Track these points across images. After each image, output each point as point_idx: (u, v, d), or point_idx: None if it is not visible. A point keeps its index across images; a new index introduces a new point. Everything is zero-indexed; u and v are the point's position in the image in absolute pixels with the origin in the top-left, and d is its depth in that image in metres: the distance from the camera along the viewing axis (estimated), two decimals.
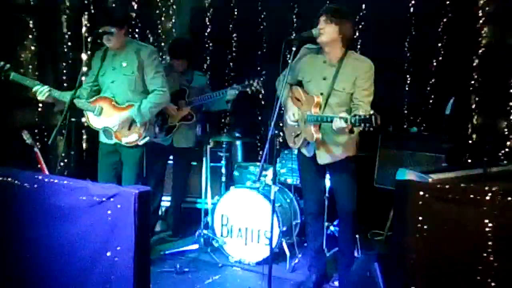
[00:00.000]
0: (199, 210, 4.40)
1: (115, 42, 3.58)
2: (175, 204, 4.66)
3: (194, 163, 4.87)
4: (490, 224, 2.42)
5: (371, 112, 2.69)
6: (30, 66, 4.37)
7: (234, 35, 5.69)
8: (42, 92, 3.54)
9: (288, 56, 3.08)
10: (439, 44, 4.55)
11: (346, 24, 3.21)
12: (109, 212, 2.28)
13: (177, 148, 4.42)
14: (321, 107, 3.23)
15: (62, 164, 4.28)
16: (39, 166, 4.06)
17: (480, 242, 2.44)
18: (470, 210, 2.52)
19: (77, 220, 2.42)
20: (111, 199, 2.28)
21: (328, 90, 3.24)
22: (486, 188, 2.48)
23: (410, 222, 2.57)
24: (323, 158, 3.35)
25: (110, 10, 4.54)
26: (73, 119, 4.19)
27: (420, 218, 2.52)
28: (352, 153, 3.37)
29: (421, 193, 2.54)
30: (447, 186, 2.57)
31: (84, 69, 3.93)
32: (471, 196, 2.51)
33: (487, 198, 2.45)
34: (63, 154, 4.44)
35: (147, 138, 3.70)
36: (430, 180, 2.97)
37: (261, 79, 4.16)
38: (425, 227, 2.51)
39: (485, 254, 2.41)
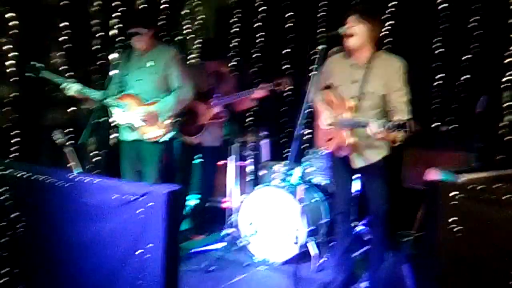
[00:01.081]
0: (224, 209, 4.42)
1: (144, 43, 3.70)
2: (202, 203, 4.68)
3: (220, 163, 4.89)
4: None
5: (407, 117, 2.66)
6: (60, 67, 4.43)
7: (261, 34, 5.67)
8: (71, 88, 3.63)
9: (314, 56, 3.05)
10: (472, 40, 4.45)
11: (376, 23, 3.17)
12: (139, 210, 2.32)
13: (205, 147, 4.44)
14: (354, 111, 3.17)
15: (92, 164, 4.34)
16: (69, 165, 4.12)
17: None
18: (503, 211, 2.47)
19: (108, 219, 2.47)
20: (142, 198, 2.31)
21: (359, 94, 3.18)
22: None
23: (441, 224, 2.53)
24: (357, 162, 3.31)
25: (140, 11, 4.63)
26: (102, 119, 4.23)
27: (452, 219, 2.48)
28: (383, 155, 3.32)
29: (453, 194, 2.50)
30: (479, 187, 2.52)
31: (112, 71, 3.98)
32: (504, 197, 2.46)
33: None
34: (92, 154, 4.50)
35: (170, 134, 3.77)
36: (460, 180, 2.92)
37: (290, 79, 4.17)
38: (457, 228, 2.47)
39: None
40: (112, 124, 4.21)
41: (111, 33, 4.70)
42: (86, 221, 2.58)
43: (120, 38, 3.64)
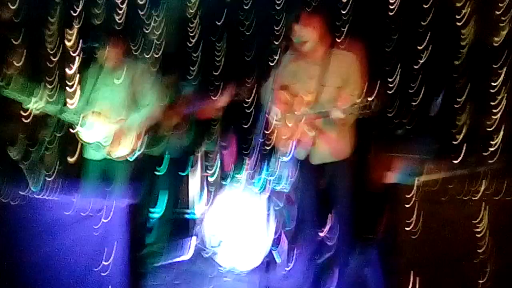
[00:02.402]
0: (188, 220, 4.37)
1: (114, 59, 3.69)
2: (167, 215, 4.62)
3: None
4: (478, 224, 2.44)
5: (371, 98, 2.69)
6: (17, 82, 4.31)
7: (220, 43, 5.66)
8: (36, 106, 3.58)
9: (271, 63, 3.08)
10: (423, 45, 4.56)
11: (324, 22, 3.22)
12: (97, 226, 2.27)
13: (171, 158, 4.39)
14: (312, 106, 3.21)
15: (49, 179, 4.23)
16: (26, 180, 4.00)
17: (471, 241, 2.46)
18: (458, 210, 2.54)
19: (64, 236, 2.41)
20: (99, 214, 2.27)
21: (317, 88, 3.23)
22: (473, 188, 2.50)
23: (400, 226, 2.58)
24: (316, 157, 3.32)
25: (107, 26, 4.56)
26: (58, 134, 4.14)
27: (409, 220, 2.54)
28: (346, 155, 3.35)
29: (409, 196, 2.56)
30: (434, 188, 2.59)
31: (71, 84, 3.90)
32: (458, 197, 2.54)
33: (474, 198, 2.48)
34: (49, 169, 4.39)
35: (138, 153, 3.70)
36: (417, 181, 2.99)
37: (250, 87, 4.22)
38: (414, 229, 2.53)
39: (477, 252, 2.43)
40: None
41: (68, 44, 4.61)
42: (42, 239, 2.50)
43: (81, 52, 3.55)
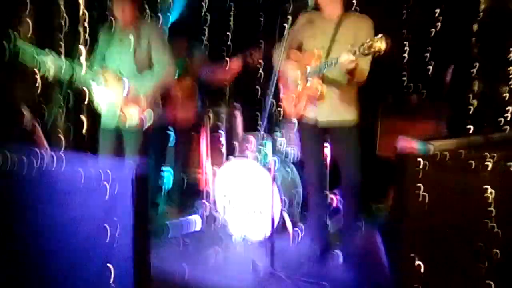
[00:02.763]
0: (199, 180, 4.39)
1: (127, 15, 3.58)
2: (179, 177, 4.66)
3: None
4: (491, 191, 2.41)
5: (379, 36, 2.66)
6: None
7: (232, 4, 5.56)
8: (47, 61, 3.50)
9: (285, 25, 3.04)
10: (437, 10, 4.45)
11: None
12: (107, 185, 2.28)
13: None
14: (322, 59, 3.19)
15: (62, 140, 4.25)
16: (39, 142, 4.03)
17: (482, 209, 2.43)
18: (470, 177, 2.50)
19: (72, 206, 2.40)
20: (108, 171, 2.27)
21: (329, 43, 3.22)
22: (486, 154, 2.46)
23: (410, 193, 2.55)
24: (324, 114, 3.31)
25: None
26: (71, 102, 4.13)
27: (421, 187, 2.51)
28: (354, 117, 3.34)
29: (421, 162, 2.52)
30: (446, 154, 2.54)
31: (82, 46, 3.86)
32: (471, 163, 2.49)
33: (488, 164, 2.43)
34: (62, 130, 4.41)
35: (151, 120, 3.63)
36: (431, 147, 2.95)
37: (260, 50, 4.23)
38: (426, 196, 2.50)
39: (487, 221, 2.41)
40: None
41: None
42: (50, 209, 2.49)
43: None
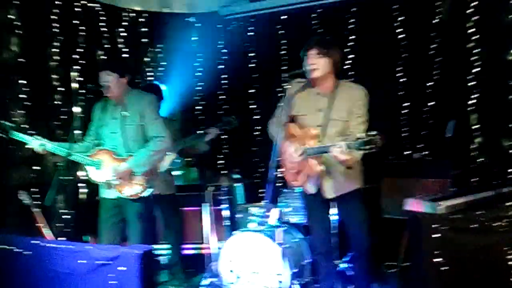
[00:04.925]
0: (203, 256, 4.27)
1: (114, 90, 3.53)
2: (176, 251, 4.52)
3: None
4: (509, 251, 2.33)
5: (373, 132, 2.63)
6: (23, 125, 4.29)
7: (224, 75, 5.67)
8: (38, 146, 3.48)
9: (279, 92, 3.06)
10: (435, 66, 4.53)
11: (336, 53, 3.21)
12: (112, 275, 2.19)
13: (163, 195, 4.26)
14: (319, 139, 3.16)
15: (61, 223, 4.17)
16: (38, 227, 3.94)
17: (502, 270, 2.35)
18: (487, 237, 2.43)
19: (79, 285, 2.32)
20: (113, 262, 2.18)
21: (324, 121, 3.19)
22: (501, 213, 2.40)
23: (428, 257, 2.47)
24: (329, 191, 3.26)
25: (112, 58, 4.63)
26: (69, 177, 4.09)
27: (437, 251, 2.43)
28: (358, 185, 3.29)
29: (436, 225, 2.46)
30: (461, 216, 2.48)
31: (76, 123, 3.86)
32: (487, 223, 2.43)
33: (503, 223, 2.37)
34: (61, 213, 4.33)
35: (151, 190, 3.56)
36: (439, 208, 2.88)
37: (232, 117, 4.37)
38: (442, 260, 2.42)
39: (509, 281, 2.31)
40: (80, 181, 4.06)
41: (73, 86, 4.60)
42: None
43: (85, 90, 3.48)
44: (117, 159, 3.53)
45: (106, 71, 3.52)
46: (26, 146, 3.53)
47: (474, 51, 4.12)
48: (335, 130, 3.17)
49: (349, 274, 3.96)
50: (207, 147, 4.48)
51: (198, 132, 4.31)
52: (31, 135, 3.58)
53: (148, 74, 5.58)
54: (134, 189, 3.51)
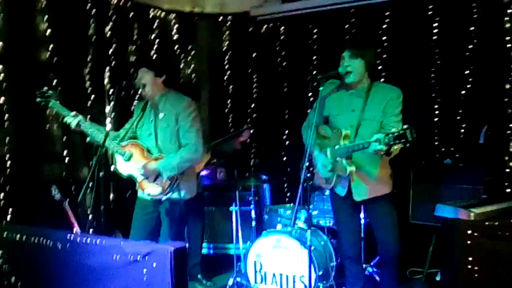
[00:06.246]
0: (230, 256, 4.28)
1: (150, 89, 3.52)
2: (198, 251, 4.51)
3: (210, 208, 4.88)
4: None
5: (405, 126, 2.59)
6: (56, 123, 4.37)
7: (254, 76, 5.69)
8: (74, 121, 3.50)
9: (311, 93, 3.05)
10: (468, 71, 4.46)
11: (370, 55, 3.20)
12: (144, 270, 2.21)
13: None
14: (350, 139, 3.14)
15: (91, 218, 4.22)
16: (69, 221, 4.01)
17: None
18: None
19: (112, 280, 2.36)
20: (146, 258, 2.21)
21: (357, 121, 3.17)
22: None
23: (460, 263, 2.44)
24: (359, 193, 3.23)
25: (148, 57, 4.66)
26: (101, 173, 4.14)
27: (471, 258, 2.40)
28: (389, 190, 3.25)
29: (469, 231, 2.42)
30: (496, 223, 2.44)
31: (108, 121, 3.90)
32: None
33: None
34: (92, 209, 4.39)
35: (170, 194, 3.47)
36: (471, 214, 2.84)
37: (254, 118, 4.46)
38: (476, 268, 2.39)
39: None
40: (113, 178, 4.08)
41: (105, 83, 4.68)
42: (88, 283, 2.46)
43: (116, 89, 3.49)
44: (148, 157, 3.51)
45: (143, 69, 3.53)
46: (64, 121, 3.55)
47: (510, 57, 4.04)
48: (369, 131, 3.12)
49: (377, 279, 3.94)
50: (239, 148, 4.48)
51: (231, 134, 4.32)
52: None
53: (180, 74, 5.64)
54: (155, 190, 3.47)
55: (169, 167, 3.41)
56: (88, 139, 3.61)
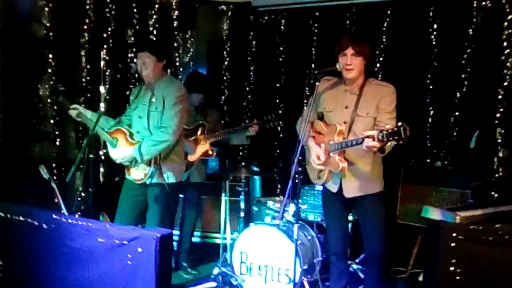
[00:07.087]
0: (217, 245, 4.29)
1: (151, 72, 3.52)
2: (188, 238, 4.55)
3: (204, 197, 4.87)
4: None
5: (399, 124, 2.59)
6: (49, 100, 4.35)
7: (252, 67, 5.68)
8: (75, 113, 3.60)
9: (307, 88, 3.05)
10: (463, 76, 4.48)
11: (370, 52, 3.19)
12: (129, 255, 2.22)
13: (192, 183, 4.36)
14: (344, 135, 3.13)
15: (79, 200, 4.22)
16: (56, 201, 4.00)
17: None
18: (504, 250, 2.41)
19: (96, 263, 2.36)
20: (131, 242, 2.21)
21: (351, 118, 3.17)
22: None
23: (443, 265, 2.46)
24: (349, 190, 3.23)
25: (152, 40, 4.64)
26: (91, 155, 4.14)
27: (454, 260, 2.42)
28: (379, 188, 3.26)
29: (454, 234, 2.44)
30: (480, 227, 2.46)
31: (102, 104, 3.90)
32: (505, 236, 2.41)
33: None
34: (80, 190, 4.38)
35: (153, 179, 3.49)
36: (457, 218, 2.87)
37: (276, 116, 4.33)
38: (458, 270, 2.41)
39: None
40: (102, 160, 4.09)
41: (101, 64, 4.65)
42: (72, 265, 2.46)
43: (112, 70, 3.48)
44: (129, 141, 3.51)
45: (146, 53, 3.51)
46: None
47: (506, 64, 4.06)
48: (362, 127, 3.13)
49: (361, 276, 3.97)
50: (247, 141, 4.49)
51: (242, 126, 4.37)
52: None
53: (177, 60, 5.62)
54: (137, 174, 3.51)
55: (142, 152, 3.41)
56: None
